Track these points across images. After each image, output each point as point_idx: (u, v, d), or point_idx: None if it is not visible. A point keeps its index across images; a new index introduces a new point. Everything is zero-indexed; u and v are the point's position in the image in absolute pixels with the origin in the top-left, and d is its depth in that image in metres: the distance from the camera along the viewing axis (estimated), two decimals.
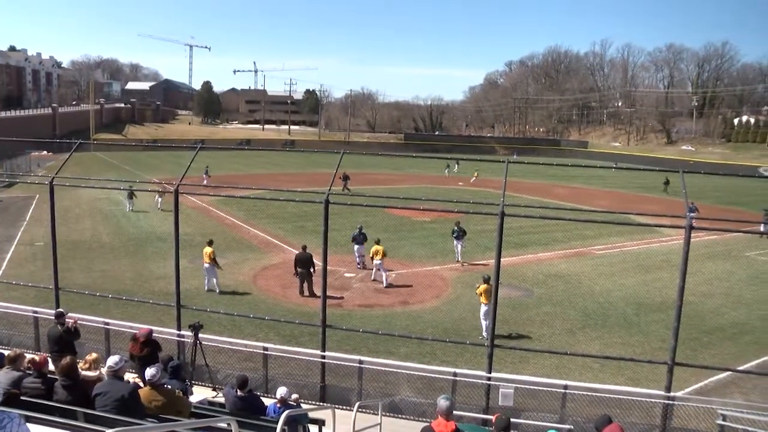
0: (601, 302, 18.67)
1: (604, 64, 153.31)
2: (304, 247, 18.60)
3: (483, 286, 15.01)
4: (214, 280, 18.72)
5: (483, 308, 15.14)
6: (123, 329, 11.65)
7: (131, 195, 33.65)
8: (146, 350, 9.33)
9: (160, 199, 34.11)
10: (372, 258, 20.08)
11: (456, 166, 61.28)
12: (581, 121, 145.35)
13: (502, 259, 10.33)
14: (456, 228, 23.04)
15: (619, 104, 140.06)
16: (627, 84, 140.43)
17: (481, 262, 22.70)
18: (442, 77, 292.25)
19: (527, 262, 23.55)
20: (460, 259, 23.13)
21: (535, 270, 22.30)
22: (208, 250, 18.58)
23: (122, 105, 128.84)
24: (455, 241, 23.14)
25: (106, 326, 11.89)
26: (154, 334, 9.78)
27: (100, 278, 19.49)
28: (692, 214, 38.70)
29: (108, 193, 37.65)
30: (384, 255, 19.92)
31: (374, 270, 20.43)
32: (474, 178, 55.15)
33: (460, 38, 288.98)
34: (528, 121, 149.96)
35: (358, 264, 21.83)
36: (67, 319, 9.86)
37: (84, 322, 10.37)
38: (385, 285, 19.61)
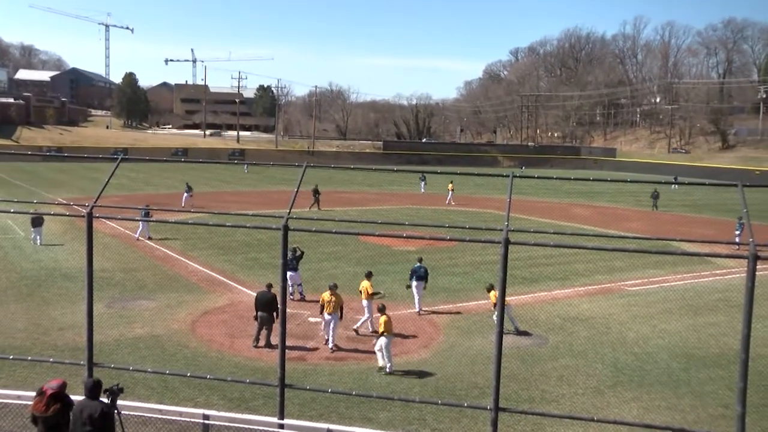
0: (637, 353, 18.79)
1: (637, 50, 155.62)
2: (270, 286, 18.42)
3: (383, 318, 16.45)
4: (369, 321, 19.60)
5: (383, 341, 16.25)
6: (7, 400, 11.29)
7: (39, 222, 31.18)
8: (54, 408, 9.06)
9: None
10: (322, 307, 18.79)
11: (423, 182, 62.02)
12: (607, 123, 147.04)
13: (507, 297, 10.44)
14: (418, 265, 22.07)
15: (657, 100, 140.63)
16: (668, 74, 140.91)
17: (472, 302, 22.79)
18: (430, 70, 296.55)
19: (539, 301, 23.72)
20: (418, 307, 21.97)
21: (550, 311, 22.47)
22: (365, 284, 19.80)
23: (11, 100, 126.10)
24: (414, 283, 21.89)
25: None
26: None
27: None
28: (737, 232, 38.24)
29: None
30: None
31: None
32: (450, 196, 53.90)
33: (452, 21, 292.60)
34: (539, 124, 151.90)
35: (291, 296, 22.22)
36: None
37: None
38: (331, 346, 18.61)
